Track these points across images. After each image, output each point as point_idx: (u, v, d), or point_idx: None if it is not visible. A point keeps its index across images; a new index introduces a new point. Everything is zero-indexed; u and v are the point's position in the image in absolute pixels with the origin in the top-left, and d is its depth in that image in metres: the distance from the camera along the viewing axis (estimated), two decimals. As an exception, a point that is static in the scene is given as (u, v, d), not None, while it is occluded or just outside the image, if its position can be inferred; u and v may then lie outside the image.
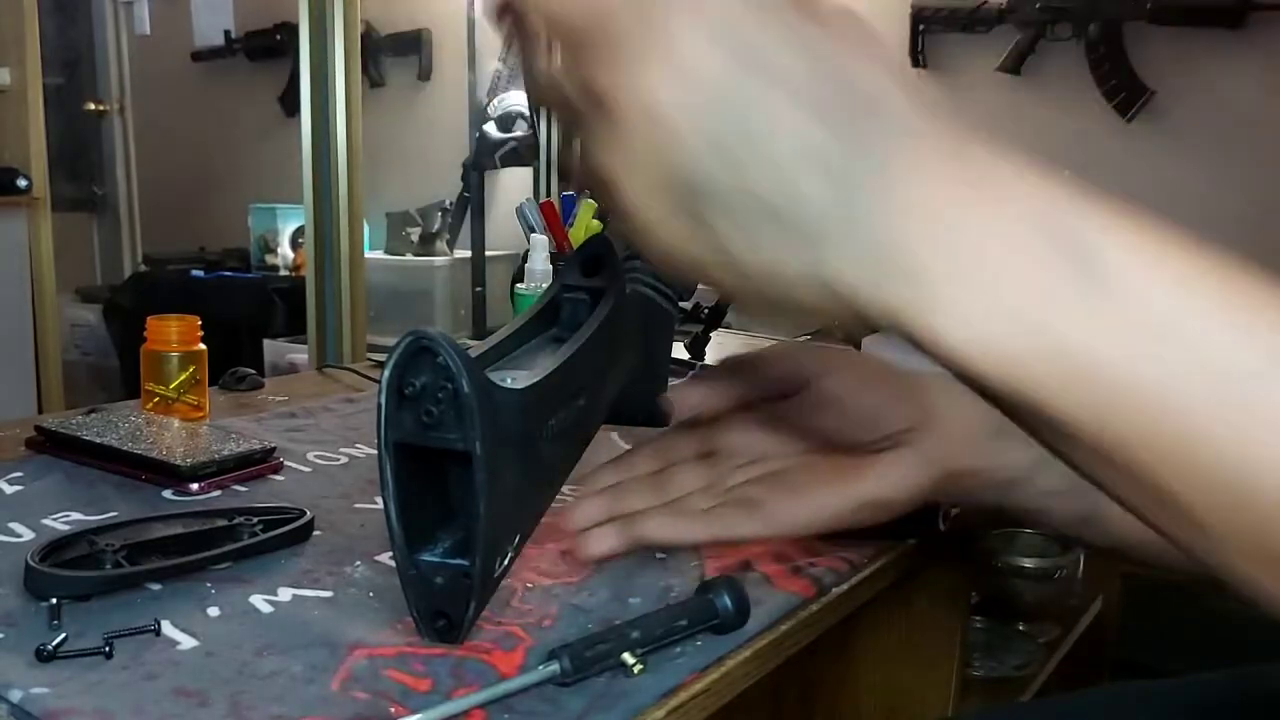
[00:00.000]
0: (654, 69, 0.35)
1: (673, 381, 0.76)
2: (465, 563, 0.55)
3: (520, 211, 1.18)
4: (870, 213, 0.33)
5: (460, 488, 0.56)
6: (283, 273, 3.35)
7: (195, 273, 3.37)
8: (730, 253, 0.36)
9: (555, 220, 1.17)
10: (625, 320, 0.66)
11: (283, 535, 0.68)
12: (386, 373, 0.53)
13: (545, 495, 0.63)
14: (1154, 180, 2.51)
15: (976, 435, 0.62)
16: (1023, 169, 0.34)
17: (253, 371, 1.14)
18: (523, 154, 3.11)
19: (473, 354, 0.56)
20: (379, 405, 0.53)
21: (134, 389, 0.99)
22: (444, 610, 0.56)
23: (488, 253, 3.11)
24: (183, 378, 0.96)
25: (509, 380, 0.57)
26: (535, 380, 0.57)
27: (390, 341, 0.55)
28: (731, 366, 0.68)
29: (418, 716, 0.48)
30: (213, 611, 0.59)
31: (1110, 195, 0.33)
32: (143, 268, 3.73)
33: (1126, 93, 2.54)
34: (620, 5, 0.36)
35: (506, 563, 0.58)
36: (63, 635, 0.53)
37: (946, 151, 0.35)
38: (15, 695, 0.49)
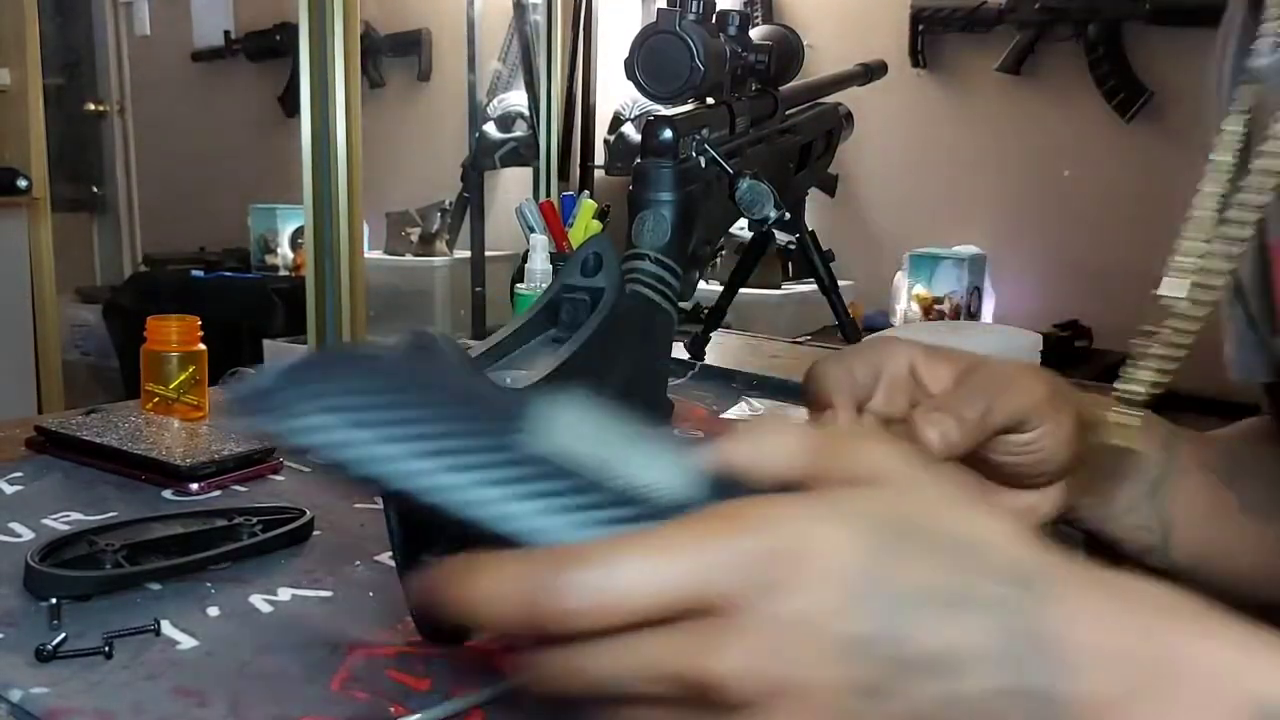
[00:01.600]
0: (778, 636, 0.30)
1: (674, 381, 0.77)
2: None
3: (520, 211, 1.18)
4: None
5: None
6: (283, 273, 3.35)
7: (195, 273, 3.37)
8: None
9: (555, 220, 1.17)
10: (625, 320, 0.66)
11: (283, 535, 0.68)
12: None
13: None
14: (1154, 180, 2.52)
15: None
16: (1212, 636, 0.32)
17: (253, 372, 1.14)
18: (523, 154, 3.11)
19: (473, 354, 0.56)
20: None
21: (134, 389, 0.99)
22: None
23: (487, 253, 3.11)
24: (183, 378, 0.96)
25: (508, 381, 0.57)
26: (535, 380, 0.57)
27: (390, 341, 0.55)
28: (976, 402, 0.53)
29: (418, 716, 0.48)
30: (213, 611, 0.59)
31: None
32: (143, 268, 3.73)
33: (1126, 93, 2.54)
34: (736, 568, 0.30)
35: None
36: (63, 635, 0.53)
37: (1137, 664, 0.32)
38: (15, 695, 0.49)
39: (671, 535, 0.31)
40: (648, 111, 2.94)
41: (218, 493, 0.79)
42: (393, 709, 0.49)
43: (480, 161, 3.18)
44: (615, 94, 3.04)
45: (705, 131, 0.81)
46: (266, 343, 2.95)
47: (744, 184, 0.80)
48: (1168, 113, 2.54)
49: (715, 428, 0.94)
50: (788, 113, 1.06)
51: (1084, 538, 0.63)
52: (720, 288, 1.28)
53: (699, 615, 0.30)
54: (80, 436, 0.83)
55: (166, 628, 0.56)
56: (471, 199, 3.18)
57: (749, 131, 0.92)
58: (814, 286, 1.23)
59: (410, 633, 0.57)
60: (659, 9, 0.80)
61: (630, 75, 0.80)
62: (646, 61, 0.79)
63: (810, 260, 1.14)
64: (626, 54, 0.81)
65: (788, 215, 0.85)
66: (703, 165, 0.79)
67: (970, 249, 2.45)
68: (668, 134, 0.76)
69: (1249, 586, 0.62)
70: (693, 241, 0.78)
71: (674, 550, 0.30)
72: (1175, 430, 0.64)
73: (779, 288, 2.71)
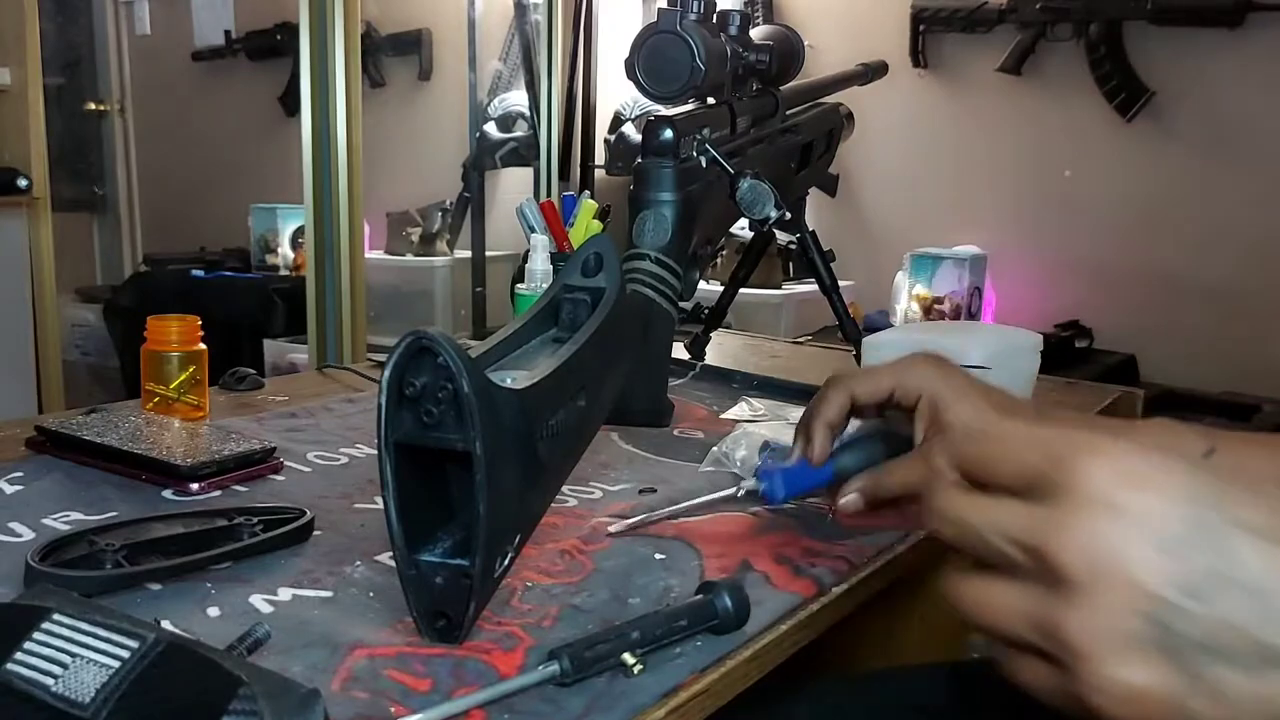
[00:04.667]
0: (1111, 525, 0.36)
1: (674, 381, 0.77)
2: (465, 563, 0.55)
3: (520, 211, 1.18)
4: None
5: (460, 488, 0.56)
6: (283, 273, 3.35)
7: (195, 273, 3.37)
8: (1227, 696, 0.35)
9: (555, 220, 1.17)
10: (625, 320, 0.66)
11: (283, 535, 0.68)
12: (387, 373, 0.53)
13: (545, 495, 0.63)
14: (1154, 180, 2.52)
15: None
16: None
17: (253, 371, 1.14)
18: (523, 154, 3.11)
19: (473, 354, 0.56)
20: (379, 405, 0.53)
21: (134, 389, 0.99)
22: (444, 610, 0.56)
23: (488, 253, 3.11)
24: (183, 378, 0.96)
25: (509, 380, 0.57)
26: (535, 380, 0.57)
27: (390, 341, 0.55)
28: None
29: (418, 716, 0.48)
30: (213, 611, 0.59)
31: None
32: (143, 268, 3.73)
33: (1126, 93, 2.54)
34: (1053, 454, 0.38)
35: (507, 562, 0.58)
36: (63, 635, 0.53)
37: None
38: (15, 695, 0.49)
39: (1044, 435, 0.39)
40: (648, 111, 2.94)
41: (218, 492, 0.79)
42: (393, 709, 0.49)
43: (481, 161, 3.18)
44: (615, 94, 3.04)
45: (706, 131, 0.81)
46: (267, 343, 2.95)
47: (745, 184, 0.80)
48: (1169, 113, 2.53)
49: (715, 427, 0.94)
50: (789, 112, 1.06)
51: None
52: (720, 288, 1.29)
53: (1049, 498, 0.37)
54: (81, 436, 0.83)
55: (167, 627, 0.56)
56: (472, 199, 3.18)
57: (750, 131, 0.92)
58: (814, 286, 1.23)
59: (410, 633, 0.57)
60: (660, 9, 0.80)
61: (631, 75, 0.80)
62: (647, 61, 0.79)
63: (811, 260, 1.15)
64: (627, 54, 0.81)
65: (788, 215, 0.85)
66: (704, 165, 0.79)
67: (970, 249, 2.45)
68: (668, 134, 0.76)
69: None
70: (693, 241, 0.78)
71: (1039, 443, 0.39)
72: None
73: (779, 288, 2.71)
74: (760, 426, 0.92)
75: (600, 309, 0.65)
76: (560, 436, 0.60)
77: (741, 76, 0.89)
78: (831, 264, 1.15)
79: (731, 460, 0.90)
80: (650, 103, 3.28)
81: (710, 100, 0.86)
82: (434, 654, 0.55)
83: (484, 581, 0.55)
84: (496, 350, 0.61)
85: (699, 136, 0.80)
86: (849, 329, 1.18)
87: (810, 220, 1.17)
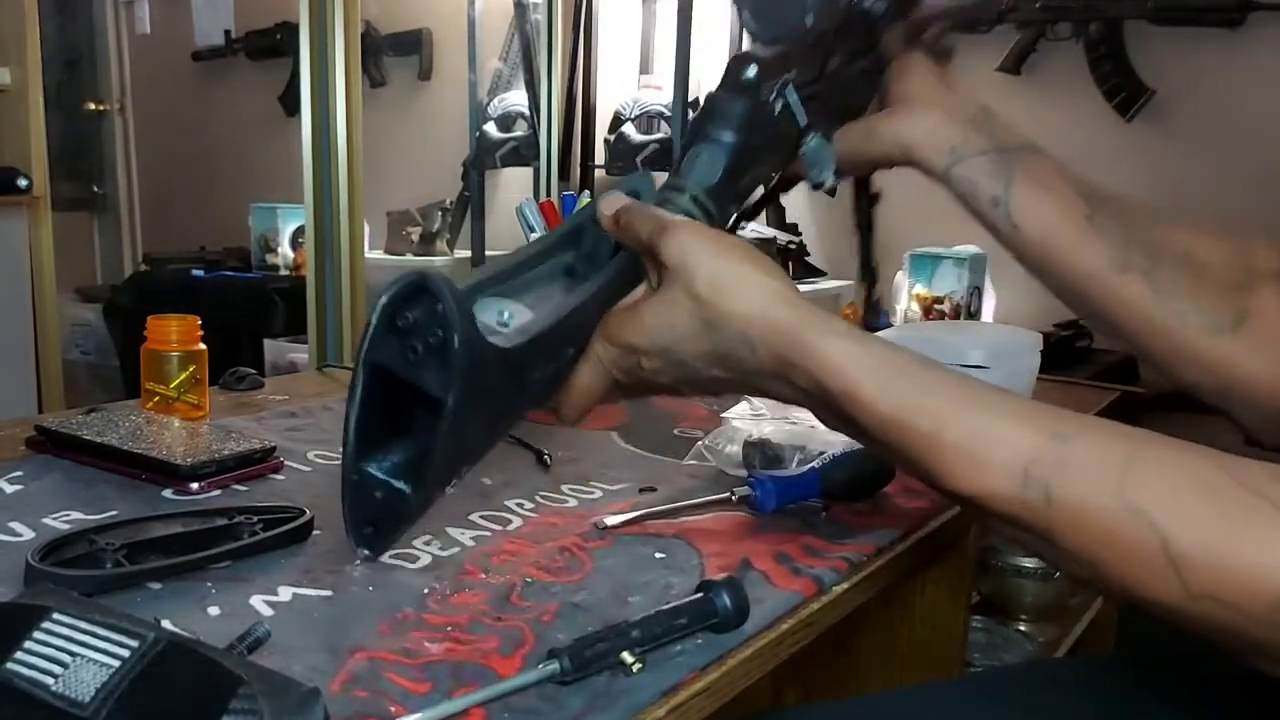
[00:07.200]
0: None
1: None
2: (406, 489, 0.56)
3: (520, 211, 1.18)
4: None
5: (423, 423, 0.56)
6: (283, 272, 3.34)
7: (195, 272, 3.37)
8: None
9: (555, 220, 1.17)
10: (637, 276, 0.65)
11: (283, 535, 0.68)
12: (384, 299, 0.54)
13: (503, 435, 0.63)
14: (1154, 180, 2.51)
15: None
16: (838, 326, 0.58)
17: (253, 371, 1.14)
18: (523, 153, 3.11)
19: (482, 272, 0.56)
20: (367, 324, 0.54)
21: (134, 389, 0.99)
22: (375, 522, 0.57)
23: (488, 252, 3.11)
24: (183, 377, 0.96)
25: (506, 314, 0.57)
26: (530, 336, 0.57)
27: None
28: None
29: (417, 716, 0.48)
30: (213, 611, 0.59)
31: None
32: (143, 267, 3.73)
33: (1126, 93, 2.54)
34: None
35: (447, 491, 0.59)
36: (63, 634, 0.53)
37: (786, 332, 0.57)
38: (15, 694, 0.49)
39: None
40: (647, 111, 2.94)
41: (218, 492, 0.79)
42: (393, 709, 0.49)
43: (481, 161, 3.18)
44: (615, 94, 3.04)
45: (793, 72, 0.74)
46: (267, 342, 2.95)
47: (813, 141, 0.74)
48: (1169, 112, 2.53)
49: (715, 427, 0.94)
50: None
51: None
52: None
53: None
54: (80, 436, 0.83)
55: (167, 627, 0.56)
56: (472, 198, 3.18)
57: (838, 70, 0.82)
58: (814, 286, 1.23)
59: (410, 633, 0.57)
60: None
61: (737, 7, 0.75)
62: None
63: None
64: None
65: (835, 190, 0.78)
66: (776, 111, 0.72)
67: (970, 249, 2.44)
68: (751, 72, 0.70)
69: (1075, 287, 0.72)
70: (738, 189, 0.73)
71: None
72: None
73: (779, 287, 2.70)
74: (765, 425, 0.92)
75: (623, 254, 0.64)
76: (538, 392, 0.61)
77: (848, 26, 0.80)
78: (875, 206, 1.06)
79: (718, 455, 0.90)
80: (650, 102, 3.26)
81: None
82: (434, 656, 0.55)
83: (419, 509, 0.57)
84: (505, 273, 0.61)
85: (785, 78, 0.72)
86: (868, 273, 1.06)
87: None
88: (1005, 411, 0.53)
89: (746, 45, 0.76)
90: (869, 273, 1.03)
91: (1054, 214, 0.72)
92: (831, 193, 0.78)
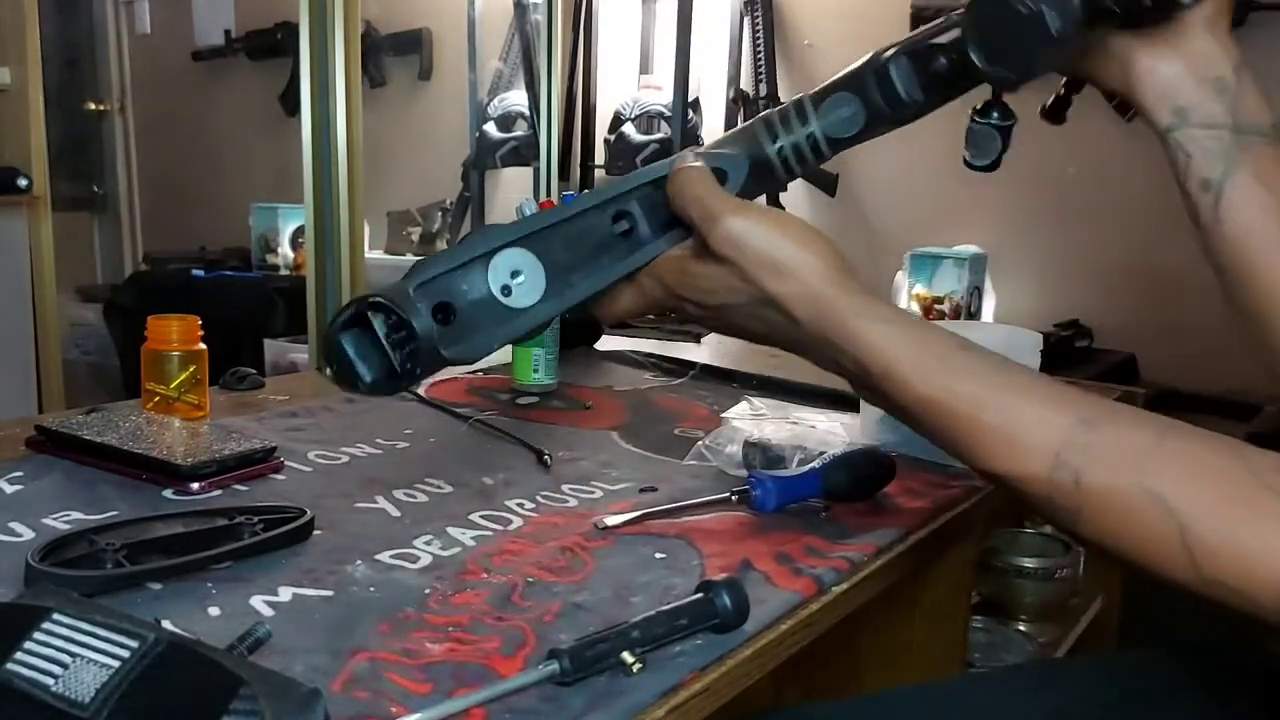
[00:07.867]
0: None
1: (674, 381, 0.76)
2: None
3: (520, 211, 1.18)
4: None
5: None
6: (283, 272, 3.34)
7: (196, 272, 3.37)
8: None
9: (555, 220, 1.17)
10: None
11: (283, 535, 0.68)
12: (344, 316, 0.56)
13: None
14: (1154, 180, 2.51)
15: None
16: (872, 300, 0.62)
17: (253, 371, 1.14)
18: (523, 153, 3.11)
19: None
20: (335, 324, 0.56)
21: (134, 389, 0.99)
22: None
23: (488, 252, 3.10)
24: (183, 377, 0.96)
25: (520, 277, 0.61)
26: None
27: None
28: None
29: (418, 716, 0.48)
30: (213, 611, 0.59)
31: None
32: (143, 267, 3.73)
33: (1127, 92, 2.54)
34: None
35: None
36: (63, 635, 0.53)
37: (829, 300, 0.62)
38: (16, 695, 0.49)
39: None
40: (648, 111, 2.94)
41: (218, 492, 0.79)
42: (393, 709, 0.49)
43: (481, 161, 3.18)
44: (615, 94, 3.04)
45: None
46: (267, 342, 2.95)
47: (978, 127, 0.70)
48: (1168, 112, 2.53)
49: (716, 427, 0.94)
50: None
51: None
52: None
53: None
54: (81, 436, 0.83)
55: (167, 627, 0.56)
56: (472, 198, 3.18)
57: None
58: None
59: (410, 632, 0.57)
60: None
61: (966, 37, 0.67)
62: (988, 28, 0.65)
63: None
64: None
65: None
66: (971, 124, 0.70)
67: (970, 249, 2.44)
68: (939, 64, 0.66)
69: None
70: (839, 150, 0.72)
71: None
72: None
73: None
74: (765, 425, 0.92)
75: (671, 234, 0.64)
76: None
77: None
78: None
79: (718, 455, 0.90)
80: (650, 102, 3.25)
81: None
82: (434, 657, 0.55)
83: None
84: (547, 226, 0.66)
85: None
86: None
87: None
88: (1039, 396, 0.55)
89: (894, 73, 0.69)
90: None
91: (1267, 216, 0.63)
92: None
